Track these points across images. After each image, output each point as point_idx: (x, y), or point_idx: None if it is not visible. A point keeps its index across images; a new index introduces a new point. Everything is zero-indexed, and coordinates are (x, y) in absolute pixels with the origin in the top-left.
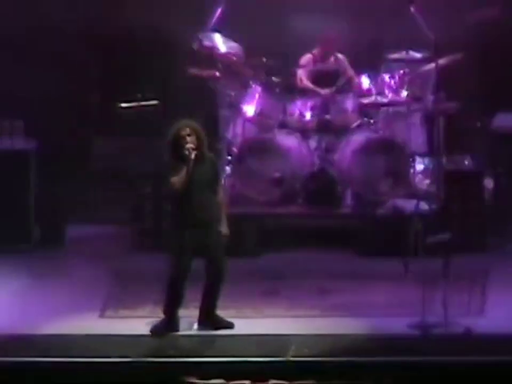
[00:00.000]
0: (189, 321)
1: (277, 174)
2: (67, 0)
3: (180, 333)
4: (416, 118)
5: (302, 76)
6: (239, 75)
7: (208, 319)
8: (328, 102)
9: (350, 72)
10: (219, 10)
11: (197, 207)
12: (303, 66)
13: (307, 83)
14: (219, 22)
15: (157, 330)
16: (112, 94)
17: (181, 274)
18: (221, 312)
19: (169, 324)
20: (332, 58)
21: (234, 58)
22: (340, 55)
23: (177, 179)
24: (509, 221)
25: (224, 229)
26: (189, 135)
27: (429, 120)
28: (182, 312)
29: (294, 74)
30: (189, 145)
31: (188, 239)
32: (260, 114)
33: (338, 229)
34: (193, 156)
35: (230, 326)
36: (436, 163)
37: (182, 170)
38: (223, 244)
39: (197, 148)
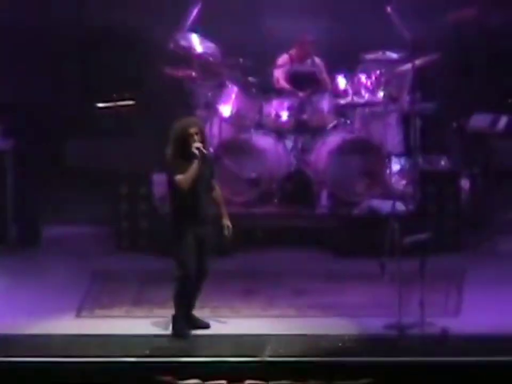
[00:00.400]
0: (165, 321)
1: (253, 174)
2: (41, 1)
3: (156, 332)
4: (393, 119)
5: (279, 77)
6: (216, 75)
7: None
8: (305, 102)
9: (326, 77)
10: (195, 10)
11: (201, 205)
12: (279, 67)
13: (284, 83)
14: (195, 22)
15: (181, 332)
16: (88, 94)
17: (193, 272)
18: (197, 312)
19: (189, 322)
20: (309, 60)
21: (211, 58)
22: (317, 59)
23: (184, 178)
24: (485, 221)
25: (227, 222)
26: (196, 133)
27: (405, 120)
28: (158, 312)
29: (271, 75)
30: (198, 144)
31: (194, 237)
32: (236, 114)
33: (315, 229)
34: (201, 154)
35: (206, 326)
36: (412, 163)
37: (189, 168)
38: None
39: (203, 147)
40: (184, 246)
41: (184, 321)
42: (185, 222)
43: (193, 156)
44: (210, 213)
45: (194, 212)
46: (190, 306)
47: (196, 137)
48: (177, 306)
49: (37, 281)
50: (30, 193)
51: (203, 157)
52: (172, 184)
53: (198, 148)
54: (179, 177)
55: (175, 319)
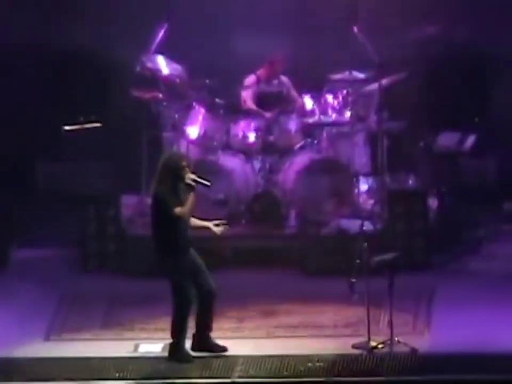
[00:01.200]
0: (134, 343)
1: (221, 195)
2: (6, 25)
3: (125, 355)
4: (360, 138)
5: (246, 97)
6: (183, 97)
7: (203, 343)
8: (272, 123)
9: (294, 94)
10: (162, 33)
11: (188, 230)
12: (246, 88)
13: (251, 104)
14: (162, 44)
15: (186, 358)
16: (57, 117)
17: (192, 298)
18: (163, 334)
19: (183, 346)
20: (276, 80)
21: (177, 80)
22: (283, 78)
23: (185, 210)
24: (453, 239)
25: (210, 224)
26: (188, 166)
27: (373, 140)
28: (126, 334)
29: (238, 96)
30: (193, 176)
31: (188, 262)
32: (203, 136)
33: (283, 249)
34: (204, 183)
35: (224, 349)
36: (380, 183)
37: (184, 199)
38: None
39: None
40: (181, 271)
41: (183, 344)
42: (180, 249)
43: (189, 187)
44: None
45: (186, 238)
46: (208, 328)
47: (187, 169)
48: (178, 332)
49: (4, 304)
50: None
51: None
52: (165, 216)
53: (194, 179)
54: (179, 210)
55: (176, 346)
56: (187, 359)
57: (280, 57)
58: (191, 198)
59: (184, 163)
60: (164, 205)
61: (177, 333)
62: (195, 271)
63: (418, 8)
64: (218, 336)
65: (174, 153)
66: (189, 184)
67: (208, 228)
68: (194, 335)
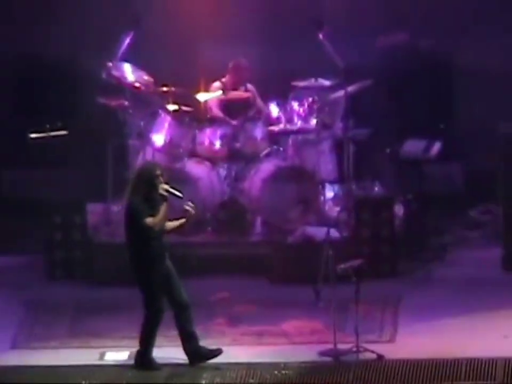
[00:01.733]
0: (99, 351)
1: (187, 203)
2: None
3: (93, 362)
4: (326, 145)
5: (212, 105)
6: (148, 104)
7: (196, 353)
8: (238, 130)
9: (259, 101)
10: (127, 40)
11: (163, 241)
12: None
13: (217, 112)
14: (128, 52)
15: (154, 365)
16: (23, 125)
17: (163, 307)
18: (129, 342)
19: (150, 354)
20: (242, 88)
21: (143, 87)
22: (249, 85)
23: (158, 220)
24: (419, 246)
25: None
26: (162, 175)
27: (339, 147)
28: (93, 342)
29: (204, 103)
30: (166, 186)
31: (162, 273)
32: (169, 143)
33: (249, 257)
34: (176, 194)
35: (219, 351)
36: (346, 190)
37: (157, 209)
38: None
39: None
40: (154, 282)
41: (150, 351)
42: (153, 260)
43: (162, 197)
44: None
45: (159, 248)
46: (196, 338)
47: (161, 179)
48: (147, 340)
49: None
50: None
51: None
52: (137, 226)
53: (166, 190)
54: (150, 220)
55: (143, 354)
56: (155, 367)
57: (243, 64)
58: (163, 208)
59: (158, 173)
60: (136, 215)
61: (146, 341)
62: (169, 283)
63: (384, 17)
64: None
65: (148, 163)
66: (162, 195)
67: (184, 224)
68: (185, 348)
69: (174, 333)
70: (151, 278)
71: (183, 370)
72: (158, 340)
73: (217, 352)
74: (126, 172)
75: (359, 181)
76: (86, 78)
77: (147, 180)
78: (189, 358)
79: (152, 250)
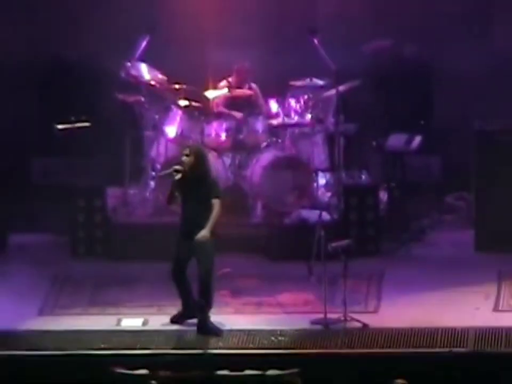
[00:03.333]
0: (116, 318)
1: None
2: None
3: (110, 328)
4: (319, 138)
5: (218, 101)
6: (162, 100)
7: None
8: (241, 124)
9: (261, 99)
10: (144, 42)
11: (187, 217)
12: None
13: (222, 107)
14: (144, 53)
15: (176, 319)
16: (51, 118)
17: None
18: (143, 310)
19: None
20: (246, 86)
21: (158, 85)
22: (253, 84)
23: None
24: (401, 228)
25: (205, 232)
26: (187, 155)
27: (330, 140)
28: (110, 310)
29: (211, 100)
30: (176, 167)
31: (183, 242)
32: (180, 135)
33: (250, 237)
34: (177, 176)
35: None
36: (336, 178)
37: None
38: (208, 248)
39: (190, 168)
40: (175, 250)
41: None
42: (180, 230)
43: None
44: (200, 224)
45: (182, 224)
46: (184, 296)
47: (182, 159)
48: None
49: (3, 284)
50: None
51: (184, 177)
52: None
53: (175, 169)
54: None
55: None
56: (176, 322)
57: (245, 66)
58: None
59: (184, 152)
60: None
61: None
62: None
63: (371, 25)
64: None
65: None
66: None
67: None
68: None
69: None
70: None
71: (190, 335)
72: (167, 310)
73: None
74: (142, 160)
75: (348, 170)
76: (106, 76)
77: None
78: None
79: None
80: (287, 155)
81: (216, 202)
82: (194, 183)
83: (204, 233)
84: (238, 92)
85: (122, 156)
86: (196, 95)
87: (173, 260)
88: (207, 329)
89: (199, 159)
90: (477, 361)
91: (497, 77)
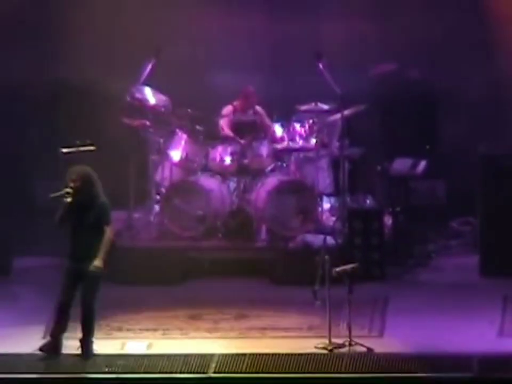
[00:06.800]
0: (121, 342)
1: (200, 212)
2: (8, 62)
3: (115, 352)
4: (324, 162)
5: (223, 125)
6: (167, 124)
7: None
8: (246, 148)
9: (267, 122)
10: (149, 67)
11: (76, 243)
12: (224, 117)
13: (228, 131)
14: (149, 77)
15: (44, 349)
16: (56, 141)
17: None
18: (149, 334)
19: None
20: (251, 110)
21: (163, 109)
22: (258, 108)
23: (56, 216)
24: (406, 253)
25: (98, 262)
26: (73, 180)
27: (335, 164)
28: (115, 334)
29: (216, 124)
30: (67, 189)
31: (71, 270)
32: (185, 158)
33: (254, 261)
34: (68, 198)
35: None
36: (341, 202)
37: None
38: (96, 278)
39: (77, 193)
40: (62, 277)
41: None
42: (69, 257)
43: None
44: (91, 253)
45: (73, 249)
46: (60, 330)
47: (69, 183)
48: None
49: (8, 307)
50: (2, 229)
51: (73, 202)
52: None
53: (65, 193)
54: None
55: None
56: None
57: (250, 91)
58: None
59: (69, 176)
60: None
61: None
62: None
63: (376, 50)
64: (196, 336)
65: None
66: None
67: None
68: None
69: (187, 326)
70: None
71: (195, 359)
72: (171, 334)
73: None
74: (146, 184)
75: (353, 194)
76: (111, 100)
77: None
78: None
79: (68, 249)
80: (292, 179)
81: (106, 230)
82: (82, 209)
83: (97, 263)
84: (244, 116)
85: (127, 179)
86: (200, 119)
87: (61, 291)
88: (91, 354)
89: (86, 184)
90: None
91: (502, 102)
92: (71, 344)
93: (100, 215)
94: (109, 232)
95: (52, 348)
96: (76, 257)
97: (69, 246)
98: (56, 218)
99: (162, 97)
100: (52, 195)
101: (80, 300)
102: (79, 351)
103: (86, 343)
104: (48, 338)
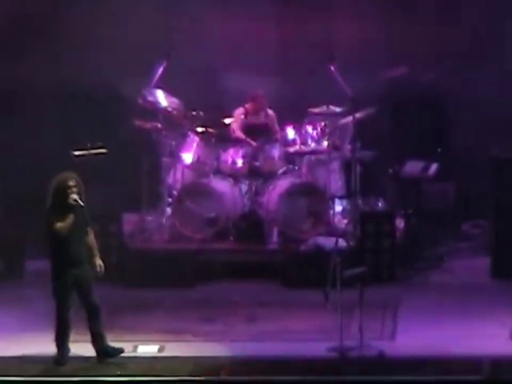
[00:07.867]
0: (132, 344)
1: (212, 214)
2: (21, 60)
3: (124, 355)
4: (336, 165)
5: (235, 128)
6: (179, 126)
7: (101, 350)
8: (258, 150)
9: (276, 127)
10: (161, 69)
11: (75, 249)
12: (236, 119)
13: (239, 134)
14: (161, 80)
15: (58, 360)
16: (66, 144)
17: (67, 313)
18: (159, 337)
19: (103, 352)
20: (263, 113)
21: (175, 111)
22: (269, 110)
23: (63, 226)
24: (417, 255)
25: (100, 262)
26: (75, 186)
27: (347, 166)
28: (127, 336)
29: (228, 126)
30: (75, 196)
31: (71, 278)
32: (197, 161)
33: (266, 263)
34: (80, 203)
35: (121, 350)
36: (353, 205)
37: (67, 216)
38: (91, 279)
39: (80, 198)
40: (60, 287)
41: (62, 351)
42: (63, 265)
43: (71, 206)
44: (85, 255)
45: (70, 255)
46: (64, 339)
47: (74, 189)
48: (56, 338)
49: (20, 309)
50: (15, 231)
51: (79, 207)
52: (50, 232)
53: (75, 200)
54: (58, 225)
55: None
56: (58, 362)
57: (258, 93)
58: (71, 216)
59: (71, 183)
60: (45, 222)
61: (57, 343)
62: (80, 288)
63: (388, 53)
64: (208, 339)
65: (62, 174)
66: (71, 204)
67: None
68: (93, 344)
69: (199, 329)
70: (58, 281)
71: (206, 362)
72: (183, 336)
73: (120, 351)
74: (158, 186)
75: (365, 197)
76: (123, 102)
77: (58, 187)
78: (96, 353)
79: (62, 253)
80: (304, 182)
81: (91, 232)
82: (77, 213)
83: (100, 263)
84: (255, 119)
85: (139, 182)
86: (212, 121)
87: (62, 301)
88: (109, 353)
89: (82, 190)
90: None
91: None
92: (81, 349)
93: (85, 218)
94: (92, 234)
95: (63, 358)
96: (73, 263)
97: (62, 254)
98: (64, 228)
99: (174, 100)
100: (73, 202)
101: (85, 303)
102: (88, 354)
103: (103, 342)
104: (56, 351)
